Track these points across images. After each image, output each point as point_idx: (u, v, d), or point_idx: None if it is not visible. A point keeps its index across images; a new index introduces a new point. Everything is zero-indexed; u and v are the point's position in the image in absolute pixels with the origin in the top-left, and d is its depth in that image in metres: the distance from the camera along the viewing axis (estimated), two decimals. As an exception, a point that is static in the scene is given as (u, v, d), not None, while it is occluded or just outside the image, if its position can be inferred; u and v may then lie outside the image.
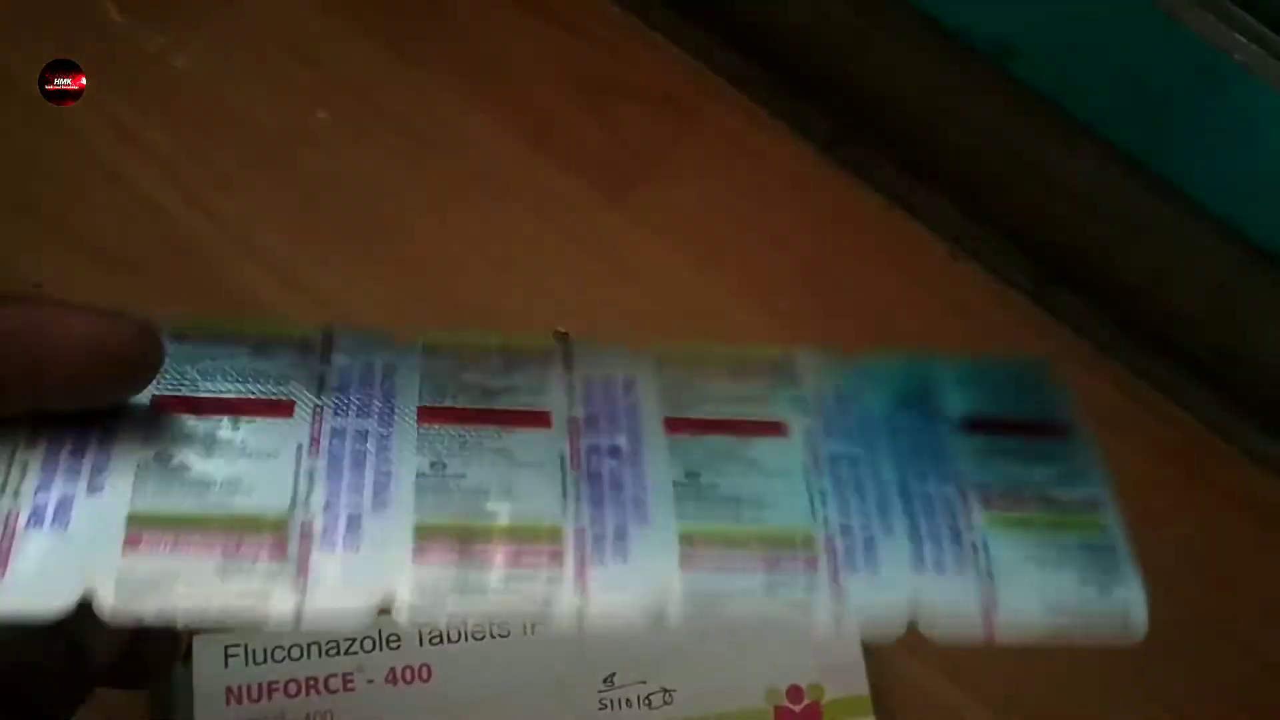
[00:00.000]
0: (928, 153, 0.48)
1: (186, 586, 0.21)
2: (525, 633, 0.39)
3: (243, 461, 0.22)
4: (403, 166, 0.46)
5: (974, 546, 0.23)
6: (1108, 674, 0.43)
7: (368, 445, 0.23)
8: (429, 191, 0.46)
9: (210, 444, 0.22)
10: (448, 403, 0.24)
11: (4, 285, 0.42)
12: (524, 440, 0.23)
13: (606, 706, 0.38)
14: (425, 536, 0.22)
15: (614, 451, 0.24)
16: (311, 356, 0.24)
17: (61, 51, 0.45)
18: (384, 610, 0.21)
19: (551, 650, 0.39)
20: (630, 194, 0.46)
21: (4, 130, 0.43)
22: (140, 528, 0.21)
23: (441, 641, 0.38)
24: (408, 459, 0.23)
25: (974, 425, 0.25)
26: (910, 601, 0.23)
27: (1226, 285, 0.44)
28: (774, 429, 0.24)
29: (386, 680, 0.38)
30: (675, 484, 0.23)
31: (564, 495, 0.23)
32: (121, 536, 0.21)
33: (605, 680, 0.39)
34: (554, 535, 0.22)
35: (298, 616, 0.21)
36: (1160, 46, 0.37)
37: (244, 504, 0.22)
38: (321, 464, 0.22)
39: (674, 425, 0.24)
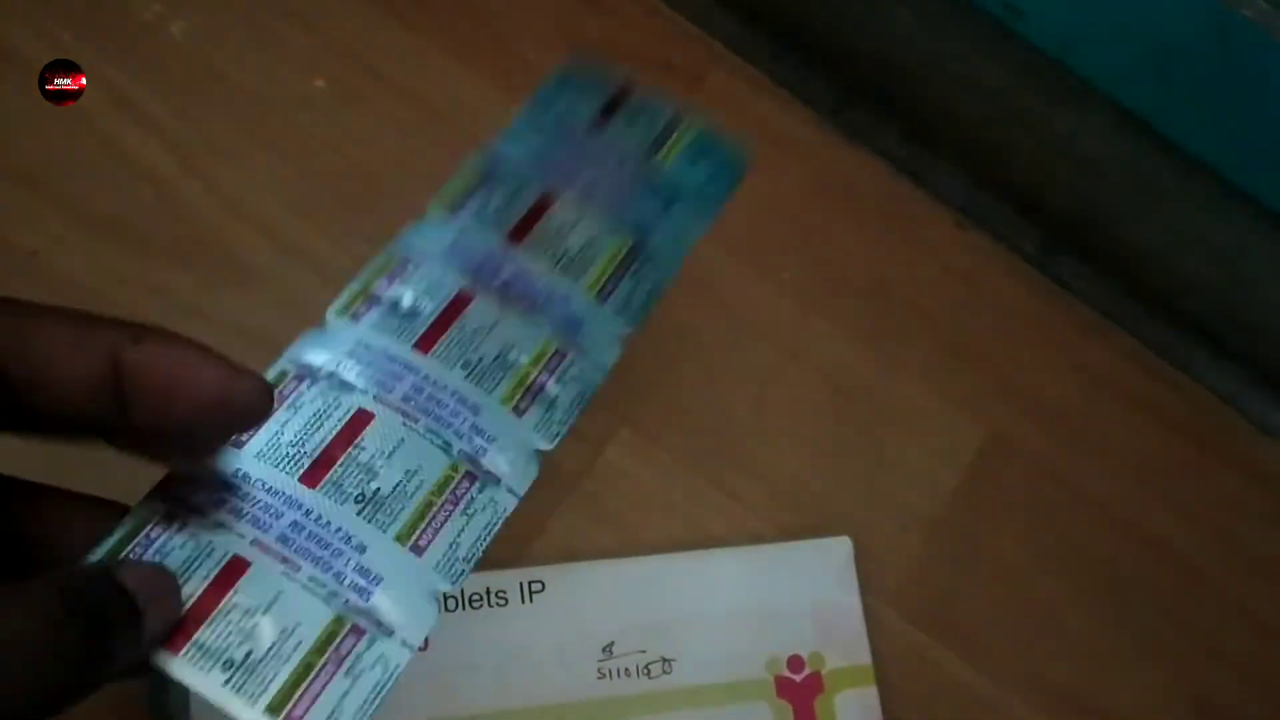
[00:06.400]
0: (933, 118, 0.47)
1: (464, 537, 0.27)
2: (523, 601, 0.38)
3: (393, 461, 0.27)
4: (401, 133, 0.45)
5: (668, 186, 0.34)
6: (1115, 643, 0.43)
7: (427, 391, 0.29)
8: (427, 158, 0.45)
9: (366, 465, 0.27)
10: (420, 331, 0.30)
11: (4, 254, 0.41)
12: (476, 315, 0.30)
13: (605, 675, 0.38)
14: (509, 402, 0.29)
15: (511, 275, 0.31)
16: (321, 380, 0.29)
17: (56, 19, 0.45)
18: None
19: (550, 619, 0.38)
20: (631, 162, 0.46)
21: (0, 98, 0.43)
22: (409, 538, 0.27)
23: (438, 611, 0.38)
24: (448, 375, 0.29)
25: (603, 114, 0.34)
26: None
27: (1237, 251, 0.43)
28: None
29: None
30: (557, 263, 0.32)
31: (530, 324, 0.31)
32: (408, 550, 0.27)
33: (604, 649, 0.38)
34: (549, 345, 0.31)
35: (515, 493, 0.28)
36: (1168, 3, 0.36)
37: (429, 475, 0.28)
38: (425, 421, 0.28)
39: (516, 236, 0.32)
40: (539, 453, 0.29)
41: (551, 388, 0.30)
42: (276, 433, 0.27)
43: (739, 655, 0.39)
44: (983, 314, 0.47)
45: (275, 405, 0.27)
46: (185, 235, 0.43)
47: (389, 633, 0.25)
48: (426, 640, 0.38)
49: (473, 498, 0.28)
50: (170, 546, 0.25)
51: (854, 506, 0.43)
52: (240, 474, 0.26)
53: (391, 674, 0.25)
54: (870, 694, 0.39)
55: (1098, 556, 0.44)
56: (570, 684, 0.38)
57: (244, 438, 0.26)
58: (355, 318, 0.30)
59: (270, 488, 0.26)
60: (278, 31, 0.46)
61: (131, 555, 0.24)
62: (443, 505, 0.27)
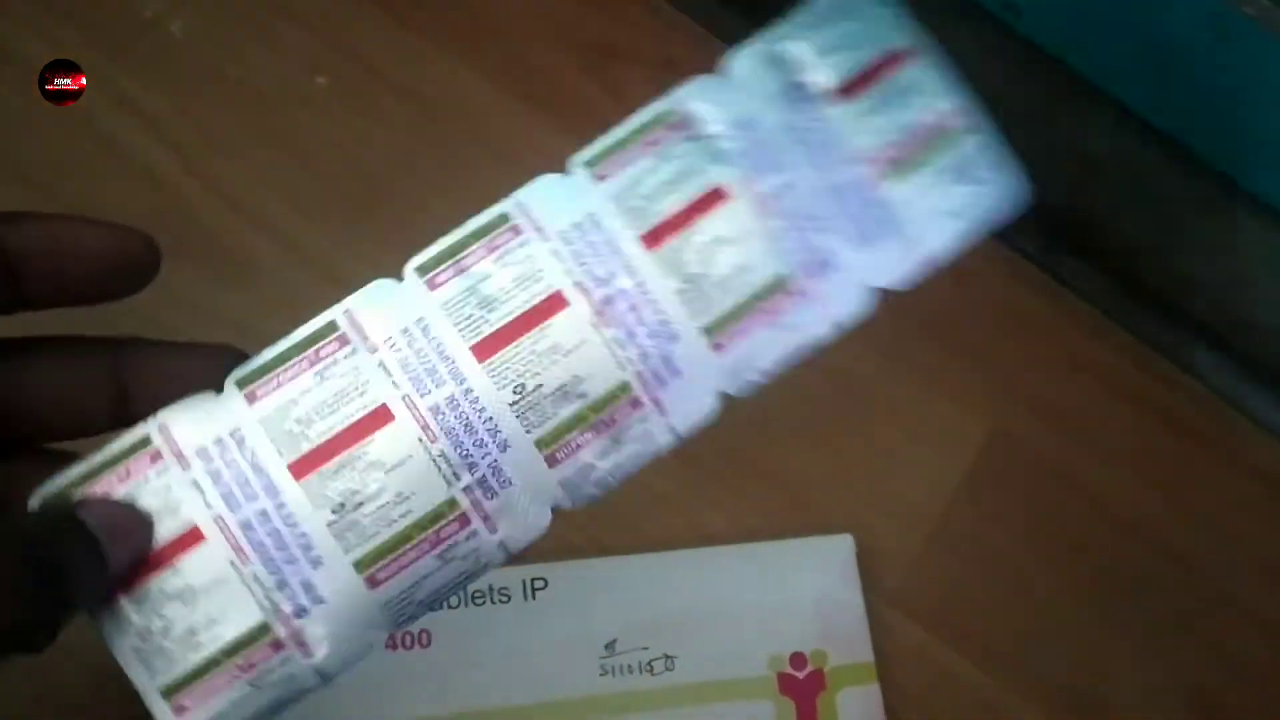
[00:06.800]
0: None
1: (428, 583, 0.25)
2: (526, 598, 0.38)
3: (390, 478, 0.25)
4: (402, 131, 0.45)
5: (889, 205, 0.26)
6: (1114, 639, 0.43)
7: (463, 406, 0.25)
8: (428, 156, 0.45)
9: (361, 473, 0.25)
10: (486, 331, 0.25)
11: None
12: (561, 329, 0.25)
13: (608, 672, 0.38)
14: (547, 447, 0.25)
15: (622, 294, 0.25)
16: (360, 353, 0.25)
17: (56, 17, 0.45)
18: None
19: (553, 616, 0.38)
20: (632, 160, 0.46)
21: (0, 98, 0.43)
22: (369, 567, 0.25)
23: (441, 607, 0.38)
24: (493, 396, 0.25)
25: (845, 90, 0.27)
26: (863, 281, 0.26)
27: (1237, 248, 0.43)
28: (719, 198, 0.26)
29: (386, 646, 0.37)
30: (679, 291, 0.26)
31: (614, 357, 0.25)
32: (362, 580, 0.25)
33: (607, 646, 0.38)
34: (624, 389, 0.25)
35: (508, 551, 0.25)
36: (1167, 1, 0.36)
37: (421, 505, 0.25)
38: (444, 443, 0.25)
39: (651, 239, 0.26)
40: (554, 512, 0.26)
41: (606, 445, 0.26)
42: (291, 400, 0.25)
43: (741, 652, 0.39)
44: (983, 313, 0.47)
45: (309, 364, 0.25)
46: (186, 233, 0.43)
47: (308, 655, 0.24)
48: (429, 635, 0.38)
49: (456, 544, 0.25)
50: (142, 490, 0.24)
51: (856, 505, 0.43)
52: (236, 434, 0.25)
53: (294, 695, 0.24)
54: (873, 691, 0.39)
55: (1098, 553, 0.44)
56: (573, 680, 0.38)
57: (258, 393, 0.25)
58: (433, 284, 0.26)
59: (256, 463, 0.25)
60: (277, 29, 0.46)
61: (104, 482, 0.24)
62: (420, 543, 0.25)
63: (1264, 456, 0.46)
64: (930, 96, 0.27)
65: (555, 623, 0.38)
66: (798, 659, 0.39)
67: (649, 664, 0.38)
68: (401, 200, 0.45)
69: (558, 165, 0.45)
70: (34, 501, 0.24)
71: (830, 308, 0.26)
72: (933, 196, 0.26)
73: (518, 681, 0.37)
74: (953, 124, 0.27)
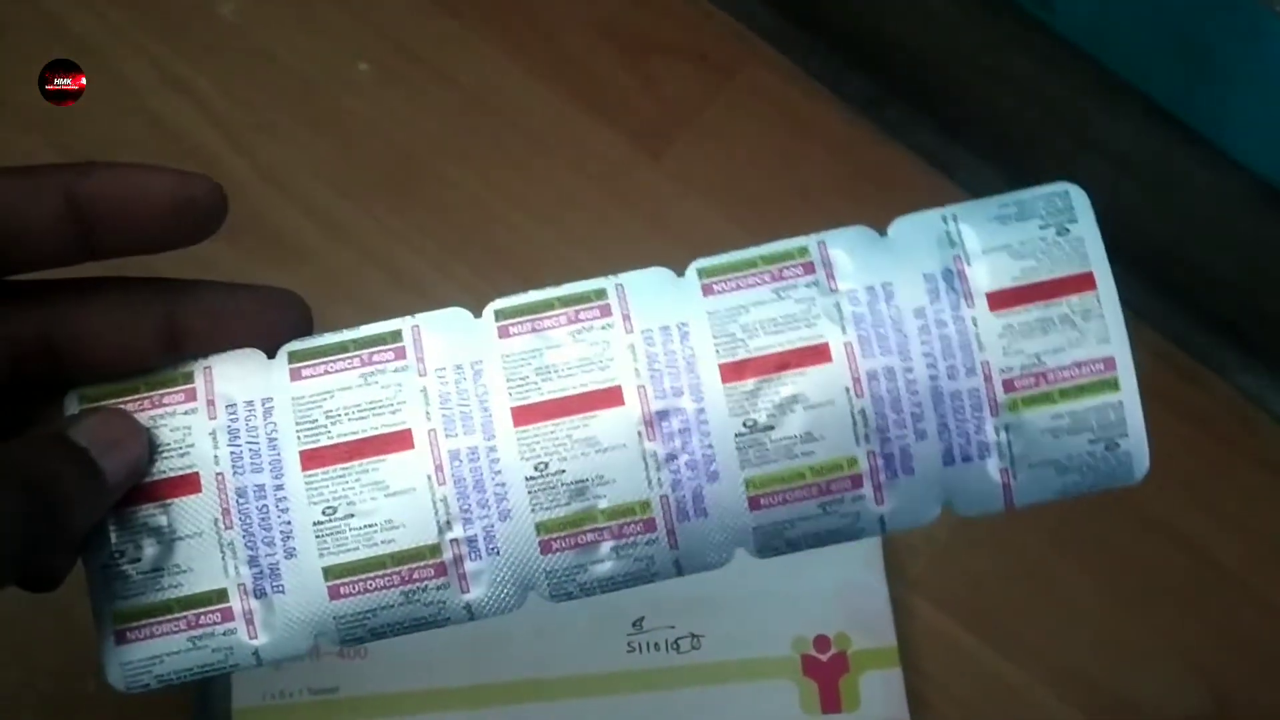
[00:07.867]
0: (965, 112, 0.48)
1: (385, 614, 0.25)
2: (556, 574, 0.39)
3: (387, 502, 0.25)
4: (443, 118, 0.46)
5: (997, 431, 0.25)
6: (1137, 632, 0.43)
7: (481, 461, 0.25)
8: (468, 143, 0.46)
9: (364, 486, 0.25)
10: (533, 398, 0.25)
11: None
12: (605, 425, 0.25)
13: (635, 649, 0.39)
14: (545, 532, 0.25)
15: (679, 414, 0.25)
16: (410, 372, 0.25)
17: (109, -2, 0.46)
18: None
19: (581, 593, 0.39)
20: (667, 150, 0.47)
21: (52, 75, 0.44)
22: (337, 578, 0.25)
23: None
24: (515, 463, 0.25)
25: (1000, 299, 0.25)
26: (942, 495, 0.25)
27: (1266, 247, 0.44)
28: (817, 358, 0.25)
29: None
30: (736, 435, 0.25)
31: (646, 472, 0.25)
32: (326, 586, 0.25)
33: (634, 624, 0.39)
34: (644, 508, 0.25)
35: (470, 615, 0.25)
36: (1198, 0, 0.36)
37: (405, 539, 0.25)
38: (450, 489, 0.25)
39: (732, 372, 0.25)
40: (529, 594, 0.25)
41: (604, 551, 0.25)
42: (328, 392, 0.25)
43: (766, 634, 0.39)
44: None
45: (360, 363, 0.25)
46: (232, 212, 0.44)
47: (253, 635, 0.24)
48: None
49: (425, 588, 0.25)
50: (166, 423, 0.25)
51: (881, 492, 0.43)
52: (267, 403, 0.25)
53: (227, 664, 0.25)
54: (895, 675, 0.39)
55: (1121, 547, 0.44)
56: (600, 656, 0.38)
57: (304, 372, 0.25)
58: (504, 333, 0.25)
59: (274, 438, 0.25)
60: (323, 15, 0.47)
61: (131, 405, 0.25)
62: (392, 574, 0.24)
63: (1287, 454, 0.46)
64: (1089, 336, 0.25)
65: (585, 599, 0.39)
66: (822, 642, 0.39)
67: (675, 642, 0.39)
68: (441, 185, 0.46)
69: (592, 154, 0.46)
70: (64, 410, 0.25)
71: (886, 508, 0.25)
72: (1046, 441, 0.25)
73: (548, 656, 0.38)
74: (1102, 373, 0.25)
